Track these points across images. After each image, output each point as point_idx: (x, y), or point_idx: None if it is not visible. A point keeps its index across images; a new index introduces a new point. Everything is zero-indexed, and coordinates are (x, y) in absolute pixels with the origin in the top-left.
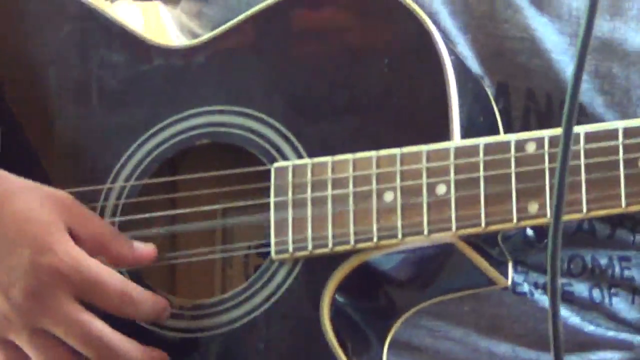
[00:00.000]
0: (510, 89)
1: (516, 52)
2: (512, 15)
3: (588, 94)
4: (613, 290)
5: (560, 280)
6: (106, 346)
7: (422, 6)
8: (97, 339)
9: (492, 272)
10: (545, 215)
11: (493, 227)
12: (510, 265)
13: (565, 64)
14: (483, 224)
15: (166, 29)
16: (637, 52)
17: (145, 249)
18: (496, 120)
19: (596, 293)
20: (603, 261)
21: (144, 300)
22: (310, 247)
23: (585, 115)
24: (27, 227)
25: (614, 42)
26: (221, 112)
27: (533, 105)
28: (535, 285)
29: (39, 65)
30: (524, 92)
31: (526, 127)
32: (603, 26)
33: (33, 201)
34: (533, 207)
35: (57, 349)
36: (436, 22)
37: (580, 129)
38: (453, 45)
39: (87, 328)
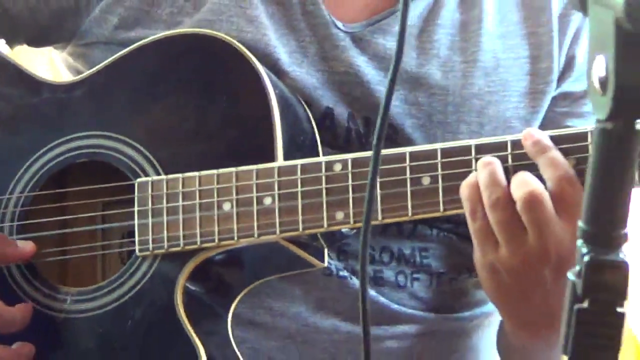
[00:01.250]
0: (335, 113)
1: (341, 83)
2: (338, 55)
3: (399, 117)
4: (415, 276)
5: (373, 267)
6: None
7: (261, 47)
8: None
9: (311, 259)
10: (349, 222)
11: (308, 231)
12: (325, 252)
13: (381, 93)
14: (301, 229)
15: (57, 69)
16: (437, 85)
17: (25, 246)
18: (317, 142)
19: (401, 278)
20: (407, 252)
21: None
22: (166, 246)
23: (397, 134)
24: None
25: (420, 76)
26: (96, 136)
27: (354, 127)
28: (353, 272)
29: None
30: (346, 115)
31: (348, 144)
32: (412, 63)
33: None
34: (340, 215)
35: None
36: (275, 59)
37: (387, 152)
38: (285, 76)
39: None
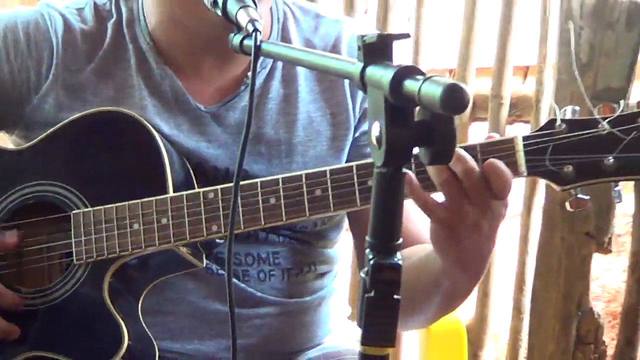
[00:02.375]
0: (205, 164)
1: (207, 146)
2: (203, 128)
3: (249, 163)
4: (272, 272)
5: (241, 268)
6: None
7: (152, 125)
8: None
9: (194, 261)
10: (220, 232)
11: (193, 240)
12: (203, 256)
13: (234, 150)
14: (188, 238)
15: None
16: (272, 139)
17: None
18: (193, 180)
19: (262, 275)
20: (264, 255)
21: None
22: (95, 255)
23: (248, 175)
24: None
25: (260, 134)
26: (42, 184)
27: (218, 172)
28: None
29: None
30: (212, 165)
31: (215, 182)
32: (254, 126)
33: None
34: (214, 228)
35: None
36: (161, 133)
37: (244, 183)
38: (171, 144)
39: None
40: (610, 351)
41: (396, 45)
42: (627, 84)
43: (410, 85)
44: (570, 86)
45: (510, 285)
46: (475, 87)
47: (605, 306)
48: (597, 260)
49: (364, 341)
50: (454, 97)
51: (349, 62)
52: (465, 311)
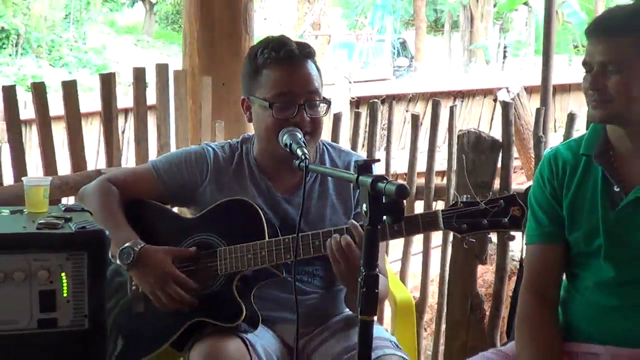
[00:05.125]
0: (281, 228)
1: (283, 218)
2: (280, 207)
3: (303, 223)
4: (315, 277)
5: (300, 276)
6: (181, 299)
7: (258, 204)
8: (179, 295)
9: (278, 273)
10: (290, 259)
11: (278, 262)
12: (283, 270)
13: (297, 217)
14: (275, 261)
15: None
16: (314, 212)
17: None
18: (278, 232)
19: (310, 278)
20: (311, 269)
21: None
22: (229, 270)
23: (302, 230)
24: (159, 264)
25: (308, 209)
26: (203, 234)
27: (291, 228)
28: (295, 279)
29: (154, 226)
30: (287, 228)
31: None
32: (306, 205)
33: (163, 257)
34: (288, 256)
35: (168, 297)
36: (261, 208)
37: (303, 234)
38: (264, 213)
39: (178, 291)
40: (487, 313)
41: (376, 164)
42: (491, 180)
43: (380, 185)
44: (463, 181)
45: (437, 281)
46: (417, 182)
47: (485, 291)
48: (481, 268)
49: (361, 313)
50: (402, 191)
51: (351, 174)
52: (416, 293)
